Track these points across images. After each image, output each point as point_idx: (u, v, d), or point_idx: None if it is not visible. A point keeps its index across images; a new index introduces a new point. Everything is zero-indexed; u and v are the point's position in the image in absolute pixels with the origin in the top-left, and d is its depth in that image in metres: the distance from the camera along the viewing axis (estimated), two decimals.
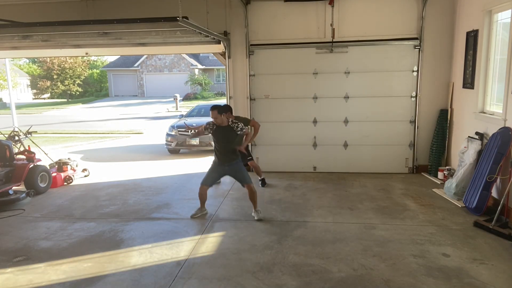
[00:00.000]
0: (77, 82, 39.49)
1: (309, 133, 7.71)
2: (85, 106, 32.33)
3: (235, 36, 7.60)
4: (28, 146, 7.37)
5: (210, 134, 5.40)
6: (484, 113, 5.96)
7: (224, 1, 7.50)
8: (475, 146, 5.74)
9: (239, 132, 5.21)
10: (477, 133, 5.84)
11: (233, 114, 6.49)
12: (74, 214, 5.72)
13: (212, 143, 9.94)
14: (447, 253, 4.17)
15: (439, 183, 6.81)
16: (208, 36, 6.72)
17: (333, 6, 7.17)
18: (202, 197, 5.48)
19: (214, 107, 5.16)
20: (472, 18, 6.27)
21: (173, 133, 10.42)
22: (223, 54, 7.86)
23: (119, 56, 36.85)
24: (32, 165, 6.74)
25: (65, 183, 7.38)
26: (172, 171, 8.41)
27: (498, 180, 5.16)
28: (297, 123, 7.73)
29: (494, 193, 5.27)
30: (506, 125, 5.12)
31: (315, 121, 7.72)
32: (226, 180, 7.53)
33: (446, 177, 6.69)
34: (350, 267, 3.92)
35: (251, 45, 7.60)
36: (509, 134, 4.98)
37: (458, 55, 6.86)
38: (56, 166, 7.49)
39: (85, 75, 40.62)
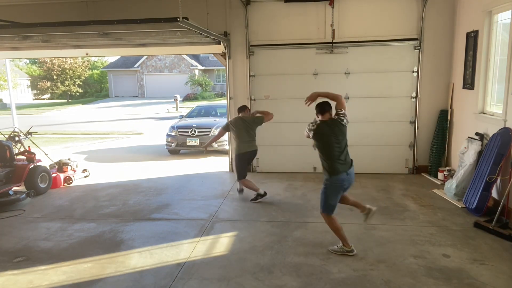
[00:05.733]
0: (77, 83, 39.52)
1: None
2: (85, 106, 32.34)
3: (235, 37, 7.61)
4: (29, 146, 7.37)
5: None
6: (484, 113, 5.96)
7: (224, 1, 7.50)
8: (475, 146, 5.74)
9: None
10: (477, 134, 5.84)
11: (229, 116, 6.35)
12: (74, 215, 5.72)
13: (213, 144, 10.03)
14: (447, 254, 4.17)
15: (439, 183, 6.81)
16: (208, 37, 6.73)
17: (333, 7, 7.17)
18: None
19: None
20: (472, 18, 6.28)
21: (173, 133, 10.42)
22: (223, 55, 7.86)
23: (119, 56, 36.88)
24: (32, 166, 6.74)
25: (65, 184, 7.38)
26: (172, 172, 8.41)
27: (498, 181, 5.16)
28: (297, 123, 7.68)
29: (494, 193, 5.27)
30: (506, 126, 5.12)
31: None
32: (227, 180, 7.54)
33: (446, 178, 6.69)
34: (350, 268, 3.92)
35: (251, 45, 7.61)
36: (509, 134, 4.98)
37: (458, 56, 6.86)
38: (56, 167, 7.49)
39: (85, 75, 40.64)
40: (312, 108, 7.59)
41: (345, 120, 4.15)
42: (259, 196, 6.09)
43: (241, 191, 6.35)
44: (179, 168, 8.80)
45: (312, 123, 4.19)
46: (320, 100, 4.31)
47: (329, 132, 4.10)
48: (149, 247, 4.53)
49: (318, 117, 4.24)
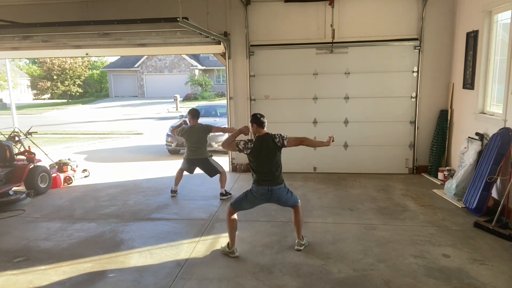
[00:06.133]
0: (77, 83, 39.53)
1: (309, 133, 7.66)
2: (85, 106, 32.34)
3: (235, 37, 7.61)
4: (29, 146, 7.37)
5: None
6: (484, 113, 5.96)
7: (224, 1, 7.50)
8: (475, 146, 5.74)
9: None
10: (477, 134, 5.84)
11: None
12: (74, 215, 5.72)
13: (213, 144, 10.05)
14: (447, 254, 4.17)
15: (439, 183, 6.81)
16: (208, 37, 6.73)
17: (333, 7, 7.18)
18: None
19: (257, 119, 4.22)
20: (472, 18, 6.28)
21: None
22: (223, 55, 7.86)
23: (119, 56, 36.89)
24: (32, 166, 6.74)
25: (65, 184, 7.38)
26: (172, 172, 8.36)
27: (498, 181, 5.16)
28: (297, 123, 7.73)
29: (494, 193, 5.27)
30: (506, 126, 5.12)
31: (315, 122, 7.72)
32: (227, 180, 7.52)
33: (446, 178, 6.69)
34: (350, 268, 3.92)
35: (251, 45, 7.61)
36: (509, 134, 4.98)
37: (458, 56, 6.86)
38: (56, 167, 7.49)
39: (85, 75, 40.66)
40: (312, 109, 7.65)
41: (278, 139, 4.13)
42: (173, 192, 6.54)
43: (222, 194, 6.35)
44: None
45: (247, 141, 4.17)
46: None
47: (260, 147, 4.12)
48: (149, 247, 4.53)
49: (253, 128, 4.21)
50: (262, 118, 4.22)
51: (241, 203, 4.30)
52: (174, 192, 6.54)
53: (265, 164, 4.13)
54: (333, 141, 4.21)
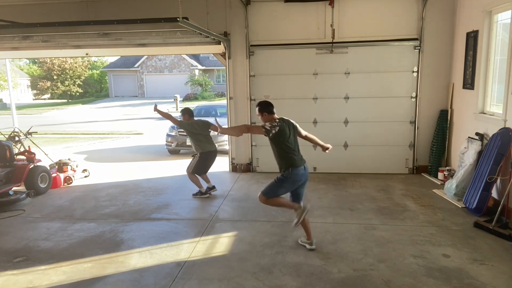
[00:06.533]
0: (77, 83, 39.54)
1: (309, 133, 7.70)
2: (85, 106, 32.34)
3: (235, 37, 7.61)
4: (29, 146, 7.38)
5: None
6: (484, 113, 5.96)
7: (224, 1, 7.50)
8: (475, 146, 5.74)
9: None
10: (477, 134, 5.84)
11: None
12: (74, 215, 5.72)
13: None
14: (447, 254, 4.17)
15: (439, 183, 6.81)
16: (208, 37, 6.73)
17: (333, 7, 7.18)
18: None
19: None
20: (472, 18, 6.28)
21: (173, 133, 10.42)
22: (223, 55, 7.86)
23: (119, 56, 36.89)
24: (32, 166, 6.74)
25: (65, 184, 7.38)
26: (172, 172, 8.41)
27: (498, 181, 5.16)
28: (297, 123, 7.70)
29: (494, 193, 5.27)
30: (506, 126, 5.12)
31: (315, 122, 7.72)
32: (227, 180, 7.54)
33: (446, 178, 6.69)
34: (350, 268, 3.92)
35: (251, 45, 7.61)
36: (509, 134, 4.98)
37: (458, 56, 6.86)
38: (56, 167, 7.48)
39: (85, 75, 40.67)
40: (312, 109, 7.65)
41: (293, 122, 4.46)
42: (199, 193, 6.44)
43: (210, 188, 6.48)
44: (179, 168, 8.78)
45: (272, 123, 4.23)
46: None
47: (288, 128, 4.29)
48: (149, 247, 4.53)
49: (264, 117, 4.31)
50: (270, 107, 4.30)
51: (276, 191, 4.22)
52: (213, 188, 6.49)
53: (295, 142, 4.29)
54: (330, 150, 4.51)
